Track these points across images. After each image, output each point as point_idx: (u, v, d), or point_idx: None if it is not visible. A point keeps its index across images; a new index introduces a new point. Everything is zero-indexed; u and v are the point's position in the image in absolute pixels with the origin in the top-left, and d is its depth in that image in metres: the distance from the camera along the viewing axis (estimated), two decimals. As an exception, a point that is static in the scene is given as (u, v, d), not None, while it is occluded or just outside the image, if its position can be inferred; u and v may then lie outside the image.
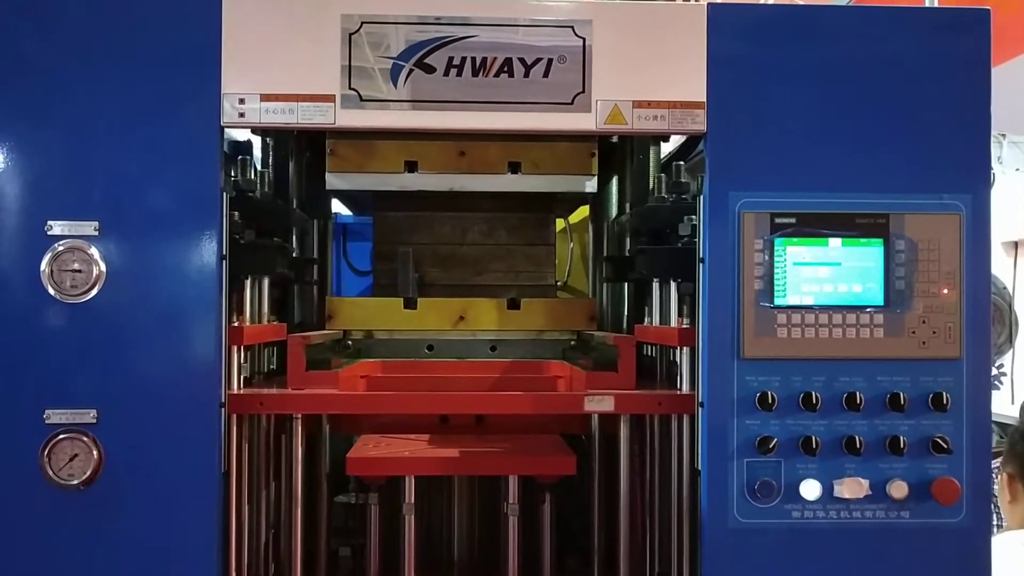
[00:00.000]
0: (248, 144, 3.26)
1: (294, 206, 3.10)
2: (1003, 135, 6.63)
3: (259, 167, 3.04)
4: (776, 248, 2.18)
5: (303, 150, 3.21)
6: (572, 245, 4.26)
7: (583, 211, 3.76)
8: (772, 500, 2.17)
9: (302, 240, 3.23)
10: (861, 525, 2.17)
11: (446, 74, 2.20)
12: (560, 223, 4.24)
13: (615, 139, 3.20)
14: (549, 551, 2.60)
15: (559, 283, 4.14)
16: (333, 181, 2.99)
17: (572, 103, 2.21)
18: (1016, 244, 6.73)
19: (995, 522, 3.43)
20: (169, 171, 2.14)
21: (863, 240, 2.19)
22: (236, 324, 2.41)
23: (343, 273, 5.62)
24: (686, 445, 2.40)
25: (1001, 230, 5.70)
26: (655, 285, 2.68)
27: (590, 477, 2.72)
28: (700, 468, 2.24)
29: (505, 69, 2.20)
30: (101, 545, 2.13)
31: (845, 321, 2.18)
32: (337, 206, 4.35)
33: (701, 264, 2.24)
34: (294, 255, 3.12)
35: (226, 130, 3.57)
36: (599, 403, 2.38)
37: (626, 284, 3.14)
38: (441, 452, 2.50)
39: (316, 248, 3.37)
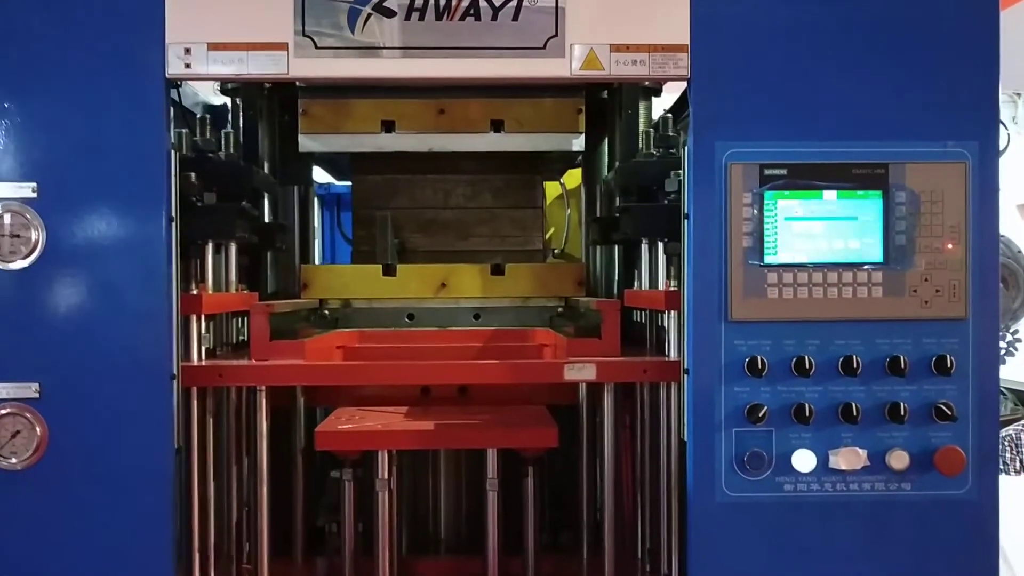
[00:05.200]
0: (224, 108, 3.15)
1: (265, 170, 2.97)
2: (1018, 94, 6.40)
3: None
4: (766, 202, 2.07)
5: (279, 113, 3.08)
6: (569, 211, 4.14)
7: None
8: (762, 472, 2.07)
9: (276, 206, 3.12)
10: (859, 498, 2.08)
11: (407, 18, 2.05)
12: (557, 188, 4.11)
13: (604, 95, 3.07)
14: (532, 528, 2.49)
15: (555, 250, 4.02)
16: (306, 143, 2.87)
17: (544, 48, 2.07)
18: (1033, 206, 6.52)
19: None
20: (112, 127, 2.02)
21: (860, 192, 2.08)
22: (195, 292, 2.30)
23: (337, 244, 5.51)
24: (674, 415, 2.29)
25: (1017, 192, 5.50)
26: (643, 247, 2.57)
27: (577, 449, 2.62)
28: (686, 439, 2.12)
29: (471, 12, 2.06)
30: (48, 526, 2.03)
31: (841, 280, 2.07)
32: (327, 178, 4.23)
33: (686, 220, 2.11)
34: (267, 220, 2.99)
35: (199, 93, 3.48)
36: (580, 371, 2.25)
37: (616, 247, 3.00)
38: (416, 425, 2.39)
39: (297, 215, 3.26)
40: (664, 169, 2.45)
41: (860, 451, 2.04)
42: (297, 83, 2.85)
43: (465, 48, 2.06)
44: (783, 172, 2.06)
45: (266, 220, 3.01)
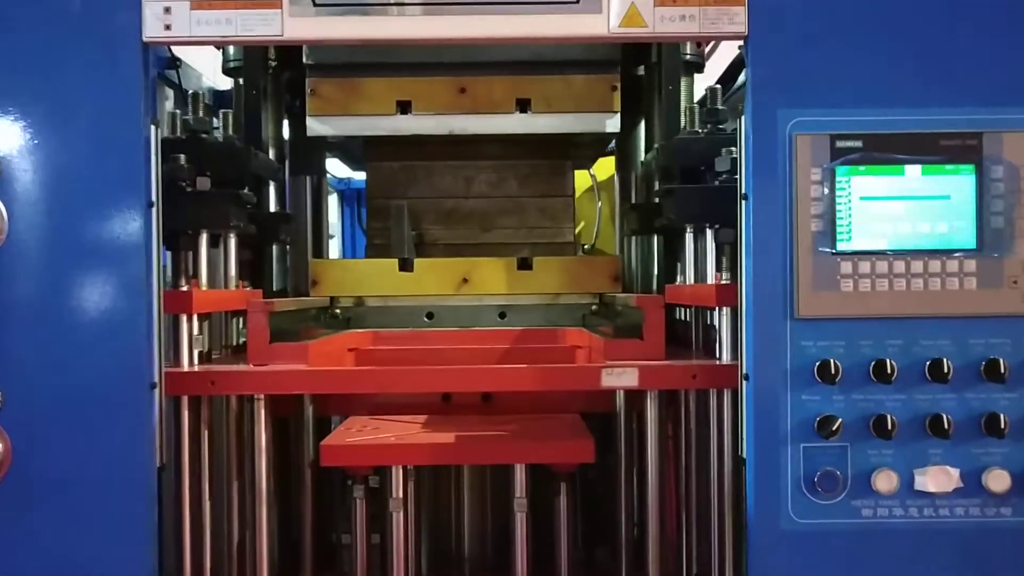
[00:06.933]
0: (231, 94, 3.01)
1: (271, 156, 2.78)
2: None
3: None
4: (838, 179, 1.88)
5: (288, 99, 2.95)
6: (600, 204, 3.95)
7: (613, 165, 3.44)
8: (836, 495, 1.88)
9: (284, 197, 2.98)
10: (950, 525, 1.89)
11: (418, -30, 1.82)
12: (586, 180, 3.93)
13: (641, 71, 2.93)
14: (565, 550, 2.29)
15: (585, 247, 3.83)
16: (315, 126, 2.76)
17: (578, 2, 1.86)
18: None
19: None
20: (83, 98, 1.82)
21: (949, 167, 1.89)
22: (185, 288, 2.07)
23: (358, 242, 5.34)
24: (728, 427, 2.13)
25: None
26: (688, 236, 2.41)
27: (615, 461, 2.43)
28: (745, 456, 1.92)
29: (492, -39, 1.83)
30: (11, 554, 1.82)
31: (927, 269, 1.89)
32: (346, 171, 4.06)
33: (743, 202, 1.91)
34: (272, 210, 2.80)
35: (205, 76, 3.28)
36: (619, 377, 2.08)
37: (655, 238, 2.84)
38: (433, 438, 2.20)
39: (310, 207, 3.13)
40: (713, 146, 2.27)
41: (951, 470, 1.87)
42: (305, 59, 2.67)
43: (485, 4, 1.82)
44: (858, 144, 1.87)
45: (271, 210, 2.82)
